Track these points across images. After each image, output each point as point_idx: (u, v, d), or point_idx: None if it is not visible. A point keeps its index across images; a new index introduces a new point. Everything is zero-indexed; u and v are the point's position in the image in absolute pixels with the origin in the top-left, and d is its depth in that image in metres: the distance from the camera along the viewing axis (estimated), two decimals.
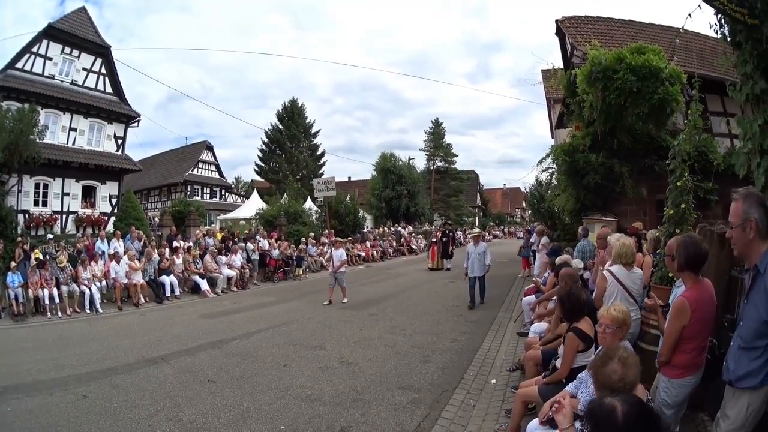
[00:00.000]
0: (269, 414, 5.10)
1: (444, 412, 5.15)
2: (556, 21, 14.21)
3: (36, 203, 19.12)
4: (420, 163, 51.42)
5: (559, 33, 14.43)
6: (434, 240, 21.16)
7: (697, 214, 5.27)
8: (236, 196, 49.23)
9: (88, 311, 11.62)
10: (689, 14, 4.73)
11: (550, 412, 3.53)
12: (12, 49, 21.13)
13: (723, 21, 4.27)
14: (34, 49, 19.16)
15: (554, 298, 6.04)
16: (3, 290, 11.30)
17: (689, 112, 5.78)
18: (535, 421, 3.61)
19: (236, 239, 17.85)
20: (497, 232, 55.33)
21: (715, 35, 4.65)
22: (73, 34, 20.21)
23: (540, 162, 13.59)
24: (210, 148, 45.65)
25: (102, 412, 5.20)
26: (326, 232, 23.99)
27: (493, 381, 6.17)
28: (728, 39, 4.32)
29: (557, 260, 7.45)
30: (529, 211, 38.13)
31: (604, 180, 10.84)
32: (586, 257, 8.21)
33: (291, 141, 46.16)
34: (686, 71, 9.59)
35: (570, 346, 4.10)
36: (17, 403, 5.51)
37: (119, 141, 22.41)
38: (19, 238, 14.00)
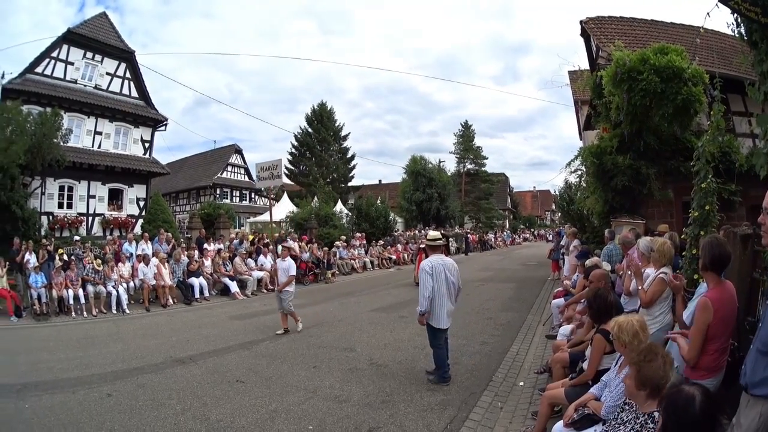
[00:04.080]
0: (297, 414, 5.12)
1: (472, 414, 5.16)
2: (581, 22, 14.13)
3: (60, 205, 19.29)
4: (450, 165, 50.80)
5: (584, 34, 14.32)
6: (422, 247, 17.11)
7: (721, 216, 5.24)
8: (266, 199, 49.83)
9: (114, 312, 11.62)
10: (708, 13, 4.74)
11: (575, 416, 3.60)
12: (31, 55, 20.93)
13: (739, 20, 4.27)
14: (54, 54, 19.38)
15: (583, 300, 6.02)
16: (25, 290, 11.38)
17: (712, 113, 5.75)
18: (560, 424, 3.63)
19: (266, 242, 17.68)
20: (527, 235, 54.87)
21: (733, 34, 4.65)
22: (95, 39, 20.43)
23: (569, 164, 13.48)
24: (239, 151, 46.07)
25: (126, 411, 5.22)
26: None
27: (521, 383, 6.17)
28: (745, 38, 4.32)
29: (587, 262, 7.42)
30: (559, 214, 37.53)
31: (632, 182, 10.68)
32: (613, 261, 8.13)
33: (321, 144, 46.22)
34: (708, 71, 9.44)
35: (597, 348, 4.13)
36: (36, 400, 5.50)
37: (146, 144, 22.66)
38: (43, 240, 14.14)
